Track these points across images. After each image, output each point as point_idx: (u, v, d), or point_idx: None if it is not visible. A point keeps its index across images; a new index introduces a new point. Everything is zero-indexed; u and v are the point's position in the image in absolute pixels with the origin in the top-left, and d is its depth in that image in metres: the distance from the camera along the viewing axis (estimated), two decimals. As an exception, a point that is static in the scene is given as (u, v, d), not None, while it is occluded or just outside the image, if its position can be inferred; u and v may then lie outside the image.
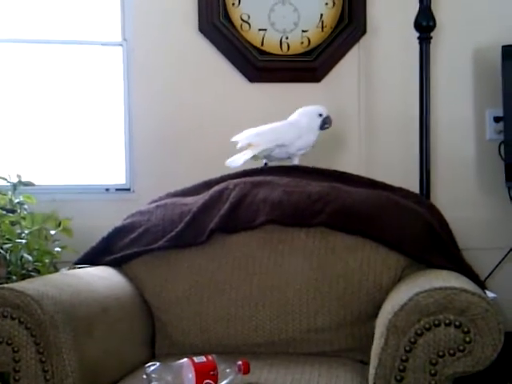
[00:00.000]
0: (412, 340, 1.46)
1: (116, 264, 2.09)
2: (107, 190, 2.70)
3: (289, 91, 2.73)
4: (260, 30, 2.70)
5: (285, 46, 2.72)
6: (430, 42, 2.52)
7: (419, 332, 1.46)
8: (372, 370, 1.50)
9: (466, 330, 1.45)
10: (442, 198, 2.65)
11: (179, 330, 1.98)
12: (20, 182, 2.28)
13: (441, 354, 1.45)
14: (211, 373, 1.56)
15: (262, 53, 2.71)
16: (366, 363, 1.73)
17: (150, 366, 1.56)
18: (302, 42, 2.73)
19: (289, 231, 2.03)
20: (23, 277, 2.08)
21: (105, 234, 2.16)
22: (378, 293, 1.88)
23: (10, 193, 2.25)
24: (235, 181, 2.20)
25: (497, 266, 2.73)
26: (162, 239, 2.06)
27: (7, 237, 2.12)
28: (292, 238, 2.02)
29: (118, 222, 2.19)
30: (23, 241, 2.13)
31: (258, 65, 2.70)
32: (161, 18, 2.68)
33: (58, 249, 2.22)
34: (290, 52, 2.73)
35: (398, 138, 2.75)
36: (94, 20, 2.72)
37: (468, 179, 2.81)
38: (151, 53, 2.68)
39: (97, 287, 1.85)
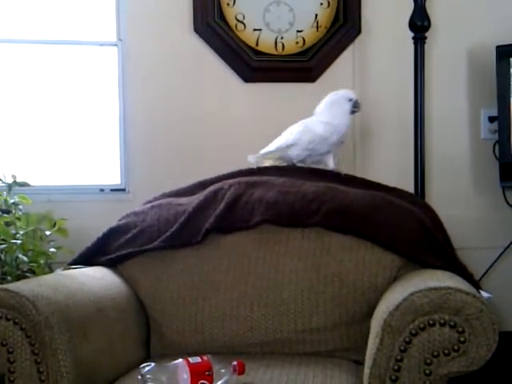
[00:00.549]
0: (407, 340, 1.47)
1: (111, 264, 2.09)
2: (102, 190, 2.70)
3: (284, 91, 2.73)
4: (255, 30, 2.70)
5: (280, 46, 2.72)
6: (424, 42, 2.52)
7: (414, 332, 1.46)
8: (367, 370, 1.51)
9: (460, 329, 1.45)
10: (437, 197, 2.65)
11: (174, 331, 1.98)
12: (15, 183, 2.28)
13: (435, 353, 1.46)
14: (206, 373, 1.56)
15: (257, 53, 2.71)
16: (360, 363, 1.73)
17: (144, 367, 1.55)
18: (297, 42, 2.73)
19: (284, 231, 2.03)
20: (18, 277, 2.08)
21: (100, 234, 2.16)
22: (373, 293, 1.88)
23: (4, 193, 2.25)
24: (230, 181, 2.20)
25: (491, 265, 2.74)
26: (157, 240, 2.06)
27: (2, 237, 2.11)
28: (287, 238, 2.02)
29: (113, 223, 2.19)
30: (18, 241, 2.12)
31: (253, 65, 2.70)
32: (156, 19, 2.68)
33: (53, 249, 2.21)
34: (285, 52, 2.73)
35: (393, 137, 2.76)
36: (89, 20, 2.71)
37: (463, 179, 2.82)
38: (146, 53, 2.68)
39: (92, 288, 1.85)
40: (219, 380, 1.58)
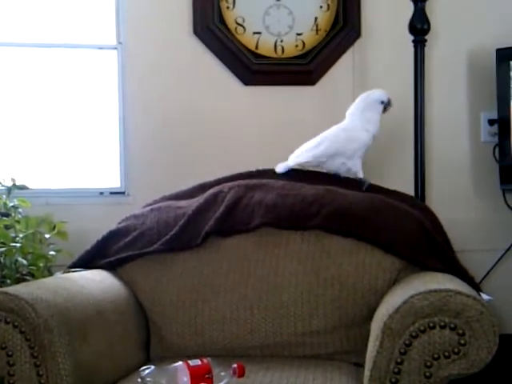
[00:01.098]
0: (407, 342, 1.46)
1: (111, 267, 2.09)
2: (102, 193, 2.70)
3: (284, 94, 2.73)
4: (255, 33, 2.70)
5: (279, 49, 2.72)
6: (424, 45, 2.52)
7: (414, 334, 1.46)
8: (367, 373, 1.50)
9: (460, 332, 1.45)
10: (437, 200, 2.65)
11: (174, 333, 1.98)
12: (14, 186, 2.28)
13: (436, 356, 1.45)
14: (206, 376, 1.56)
15: (257, 56, 2.71)
16: (361, 366, 1.72)
17: (144, 370, 1.56)
18: (297, 45, 2.73)
19: (284, 234, 2.03)
20: (17, 280, 2.08)
21: (99, 237, 2.15)
22: (373, 296, 1.88)
23: (4, 196, 2.25)
24: (230, 184, 2.20)
25: (492, 267, 2.74)
26: (157, 242, 2.06)
27: (2, 240, 2.12)
28: (287, 241, 2.02)
29: (113, 226, 2.19)
30: (18, 244, 2.12)
31: (253, 68, 2.70)
32: (156, 22, 2.68)
33: (52, 252, 2.21)
34: (285, 55, 2.73)
35: (393, 140, 2.75)
36: (89, 24, 2.71)
37: (463, 181, 2.82)
38: (146, 56, 2.68)
39: (91, 290, 1.85)
40: (219, 383, 1.58)
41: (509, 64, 2.61)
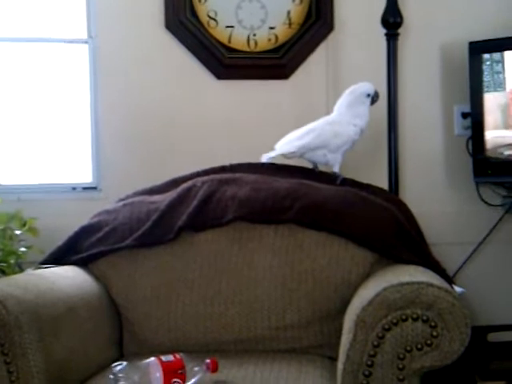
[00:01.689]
0: (380, 335, 1.47)
1: (82, 263, 2.07)
2: (74, 188, 2.67)
3: (257, 88, 2.72)
4: (227, 26, 2.69)
5: (252, 43, 2.71)
6: (397, 39, 2.52)
7: (387, 327, 1.46)
8: (340, 366, 1.51)
9: (433, 324, 1.45)
10: (411, 193, 2.66)
11: (147, 329, 1.96)
12: (-15, 182, 2.26)
13: (408, 348, 1.46)
14: (179, 371, 1.56)
15: (230, 50, 2.69)
16: (334, 359, 1.72)
17: (116, 366, 1.55)
18: (270, 39, 2.72)
19: (257, 228, 2.02)
20: (-13, 278, 2.05)
21: (71, 233, 2.13)
22: (346, 289, 1.88)
23: (-26, 193, 2.22)
24: (203, 178, 2.18)
25: (465, 260, 2.75)
26: (129, 238, 2.04)
27: (-29, 237, 2.09)
28: (260, 235, 2.01)
29: (85, 221, 2.17)
30: (-13, 241, 2.10)
31: (226, 62, 2.69)
32: (127, 15, 2.66)
33: (23, 249, 2.19)
34: (258, 49, 2.71)
35: (367, 134, 2.74)
36: (60, 17, 2.68)
37: (436, 175, 2.83)
38: (117, 50, 2.66)
39: (63, 287, 1.83)
40: (192, 378, 1.57)
41: (481, 57, 2.62)
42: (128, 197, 2.25)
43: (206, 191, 2.10)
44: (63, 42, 2.68)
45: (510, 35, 2.61)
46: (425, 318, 1.45)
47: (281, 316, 1.91)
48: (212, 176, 2.20)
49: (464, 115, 2.80)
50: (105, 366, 1.77)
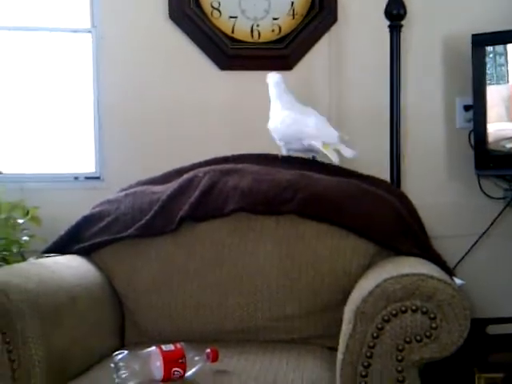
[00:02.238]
0: (379, 326, 1.47)
1: (85, 253, 2.07)
2: (76, 178, 2.68)
3: (260, 79, 2.69)
4: (231, 17, 2.69)
5: (256, 34, 2.71)
6: (400, 31, 2.52)
7: (386, 318, 1.47)
8: (340, 356, 1.51)
9: (432, 316, 1.45)
10: (413, 185, 2.66)
11: (148, 319, 1.97)
12: (-12, 171, 2.26)
13: (408, 340, 1.46)
14: (179, 361, 1.56)
15: (233, 40, 2.70)
16: (335, 350, 1.71)
17: (117, 355, 1.55)
18: (273, 30, 2.72)
19: (258, 219, 2.02)
20: (-10, 266, 2.06)
21: (73, 222, 2.14)
22: (347, 280, 1.88)
23: (-23, 181, 2.23)
24: (205, 169, 2.19)
25: (466, 253, 2.76)
26: (131, 228, 2.05)
27: (-27, 225, 2.10)
28: (261, 225, 2.01)
29: (87, 211, 2.17)
30: (-11, 229, 2.11)
31: (229, 52, 2.69)
32: (131, 5, 2.66)
33: (25, 238, 2.19)
34: (261, 40, 2.72)
35: (369, 125, 2.76)
36: (64, 7, 2.68)
37: (438, 167, 2.83)
38: (121, 40, 2.66)
39: (64, 276, 1.83)
40: (193, 367, 1.58)
41: (484, 49, 2.62)
42: (130, 187, 2.25)
43: (207, 182, 2.10)
44: (67, 31, 2.68)
45: (513, 28, 2.61)
46: (424, 309, 1.45)
47: (281, 306, 1.91)
48: (214, 166, 2.20)
49: (466, 108, 2.80)
50: (106, 355, 1.77)
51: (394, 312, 1.46)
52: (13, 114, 2.66)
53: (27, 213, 2.22)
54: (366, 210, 1.99)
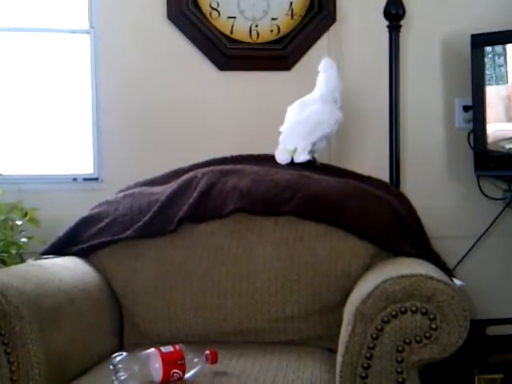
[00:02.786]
0: (379, 327, 1.46)
1: (83, 254, 2.07)
2: (75, 179, 2.68)
3: (259, 79, 2.72)
4: (229, 17, 2.68)
5: (254, 34, 2.71)
6: (399, 31, 2.52)
7: (386, 319, 1.46)
8: (339, 358, 1.51)
9: (432, 316, 1.45)
10: (412, 186, 2.66)
11: (147, 320, 1.97)
12: (-15, 173, 2.26)
13: (407, 341, 1.46)
14: (179, 362, 1.56)
15: (232, 41, 2.69)
16: (334, 351, 1.72)
17: (116, 356, 1.54)
18: (272, 30, 2.71)
19: (257, 220, 2.02)
20: (-12, 268, 2.06)
21: (72, 224, 2.13)
22: (346, 281, 1.88)
23: (-25, 183, 2.23)
24: (204, 169, 2.19)
25: (466, 254, 2.75)
26: (130, 229, 2.04)
27: (-28, 227, 2.10)
28: (260, 226, 2.01)
29: (86, 212, 2.17)
30: (-12, 231, 2.10)
31: (228, 53, 2.69)
32: (129, 6, 2.65)
33: (24, 239, 2.19)
34: (260, 40, 2.71)
35: (368, 126, 2.76)
36: (62, 7, 2.68)
37: (437, 168, 2.83)
38: (119, 41, 2.65)
39: (63, 277, 1.83)
40: (192, 369, 1.58)
41: (483, 50, 2.62)
42: (129, 188, 2.25)
43: (206, 182, 2.10)
44: (65, 32, 2.67)
45: (512, 28, 2.61)
46: (424, 310, 1.45)
47: (280, 308, 1.91)
48: (213, 167, 2.20)
49: (465, 108, 2.80)
50: (105, 357, 1.77)
51: (393, 313, 1.46)
52: (11, 115, 2.66)
53: (26, 214, 2.22)
54: (366, 210, 1.99)
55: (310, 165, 2.25)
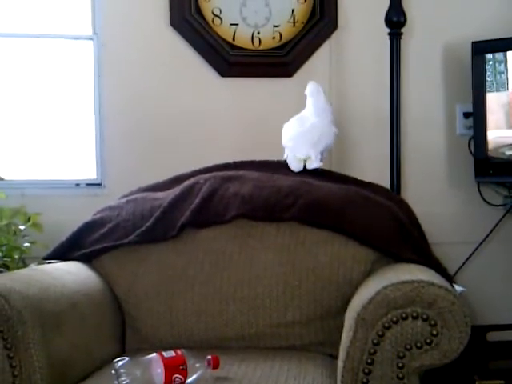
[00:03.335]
0: (380, 333, 1.47)
1: (86, 259, 2.08)
2: (78, 185, 2.68)
3: (261, 86, 2.73)
4: (232, 24, 2.70)
5: (256, 41, 2.72)
6: (400, 38, 2.54)
7: (387, 325, 1.47)
8: (340, 363, 1.51)
9: (432, 322, 1.46)
10: (413, 192, 2.67)
11: (149, 325, 1.97)
12: (-11, 177, 2.27)
13: (408, 347, 1.46)
14: (180, 367, 1.56)
15: (234, 47, 2.70)
16: (335, 357, 1.72)
17: (118, 361, 1.55)
18: (274, 37, 2.72)
19: (259, 226, 2.03)
20: (-9, 272, 2.06)
21: (74, 229, 2.14)
22: (347, 287, 1.88)
23: (-22, 188, 2.23)
24: (206, 175, 2.19)
25: (466, 260, 2.76)
26: (132, 234, 2.05)
27: (-25, 232, 2.10)
28: (262, 232, 2.02)
29: (88, 217, 2.18)
30: (-9, 236, 2.11)
31: (230, 59, 2.70)
32: (132, 12, 2.66)
33: (27, 244, 2.20)
34: (262, 47, 2.72)
35: (369, 132, 2.77)
36: (65, 14, 2.69)
37: (438, 174, 2.83)
38: (122, 47, 2.67)
39: (65, 282, 1.84)
40: (194, 374, 1.59)
41: (484, 57, 2.63)
42: (131, 193, 2.26)
43: (208, 188, 2.11)
44: (68, 38, 2.69)
45: (513, 35, 2.62)
46: (425, 316, 1.46)
47: (282, 313, 1.92)
48: (215, 173, 2.21)
49: (466, 115, 2.81)
50: (107, 362, 1.77)
51: (394, 319, 1.47)
52: (14, 120, 2.67)
53: (28, 219, 2.22)
54: (367, 216, 2.00)
55: (312, 171, 2.26)
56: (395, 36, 2.53)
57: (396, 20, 2.52)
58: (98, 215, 2.17)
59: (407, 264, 1.83)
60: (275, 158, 2.32)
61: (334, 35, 2.77)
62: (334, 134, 2.31)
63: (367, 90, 2.76)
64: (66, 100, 2.70)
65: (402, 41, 2.54)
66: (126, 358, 1.56)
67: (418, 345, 1.46)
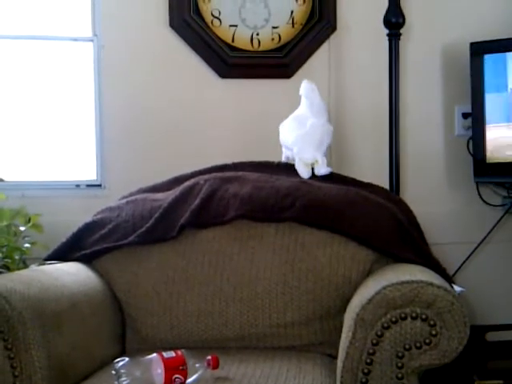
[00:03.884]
0: (379, 333, 1.48)
1: (86, 260, 2.08)
2: (78, 186, 2.69)
3: (260, 87, 2.73)
4: (231, 26, 2.70)
5: (256, 42, 2.72)
6: (399, 39, 2.54)
7: (386, 325, 1.48)
8: (339, 364, 1.52)
9: (432, 323, 1.46)
10: (412, 193, 2.68)
11: (149, 326, 1.98)
12: (-11, 179, 2.27)
13: (407, 347, 1.47)
14: (180, 368, 1.57)
15: (233, 49, 2.71)
16: (334, 357, 1.73)
17: (118, 362, 1.56)
18: (273, 39, 2.73)
19: (258, 226, 2.03)
20: (-8, 273, 2.06)
21: (75, 230, 2.14)
22: (346, 287, 1.89)
23: (-22, 189, 2.24)
24: (206, 176, 2.20)
25: (465, 260, 2.76)
26: (132, 235, 2.06)
27: (-25, 233, 2.10)
28: (262, 233, 2.03)
29: (89, 218, 2.18)
30: (-9, 237, 2.11)
31: (229, 61, 2.70)
32: (131, 14, 2.67)
33: (27, 245, 2.20)
34: (261, 48, 2.73)
35: (368, 133, 2.77)
36: (65, 15, 2.69)
37: (437, 175, 2.84)
38: (122, 48, 2.67)
39: (66, 283, 1.84)
40: (193, 374, 1.59)
41: (482, 58, 2.63)
42: (131, 194, 2.26)
43: (208, 189, 2.11)
44: (68, 39, 2.69)
45: (511, 36, 2.62)
46: (424, 316, 1.47)
47: (281, 313, 1.92)
48: (214, 174, 2.21)
49: (465, 115, 2.81)
50: (107, 362, 1.78)
51: (393, 319, 1.47)
52: (14, 121, 2.67)
53: (29, 220, 2.22)
54: (366, 217, 2.00)
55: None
56: (394, 37, 2.53)
57: (394, 21, 2.52)
58: (98, 216, 2.17)
59: (406, 264, 1.84)
60: (274, 159, 2.32)
61: (333, 36, 2.77)
62: (331, 132, 2.31)
63: (366, 91, 2.77)
64: (66, 101, 2.70)
65: (400, 42, 2.55)
66: (126, 359, 1.57)
67: (417, 345, 1.47)
